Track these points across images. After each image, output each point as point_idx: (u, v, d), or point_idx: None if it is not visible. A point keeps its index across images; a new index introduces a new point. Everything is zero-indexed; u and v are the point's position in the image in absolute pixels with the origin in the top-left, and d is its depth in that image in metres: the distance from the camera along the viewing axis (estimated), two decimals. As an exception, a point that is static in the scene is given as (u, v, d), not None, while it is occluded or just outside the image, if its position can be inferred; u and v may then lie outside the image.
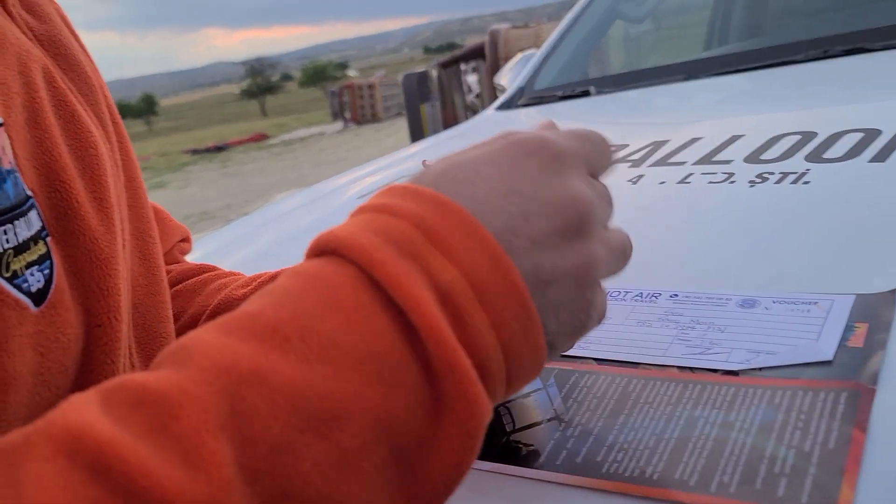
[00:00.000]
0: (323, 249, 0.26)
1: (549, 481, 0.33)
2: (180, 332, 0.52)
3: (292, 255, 0.95)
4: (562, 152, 0.30)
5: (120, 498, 0.19)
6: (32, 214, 0.30)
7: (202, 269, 0.58)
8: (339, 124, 21.68)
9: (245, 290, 0.52)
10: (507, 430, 0.37)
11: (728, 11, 2.11)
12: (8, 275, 0.28)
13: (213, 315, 0.51)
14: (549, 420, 0.37)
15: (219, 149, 22.08)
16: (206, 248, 1.06)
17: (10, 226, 0.29)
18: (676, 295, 0.48)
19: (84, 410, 0.21)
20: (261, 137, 23.90)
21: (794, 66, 1.08)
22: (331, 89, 27.21)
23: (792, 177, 0.62)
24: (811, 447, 0.31)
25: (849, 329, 0.39)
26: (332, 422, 0.22)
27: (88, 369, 0.33)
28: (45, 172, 0.32)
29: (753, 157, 0.69)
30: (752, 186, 0.63)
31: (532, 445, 0.35)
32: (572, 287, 0.28)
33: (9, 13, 0.35)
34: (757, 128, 0.79)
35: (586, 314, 0.30)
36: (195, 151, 22.46)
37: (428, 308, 0.24)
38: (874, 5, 1.43)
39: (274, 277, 0.53)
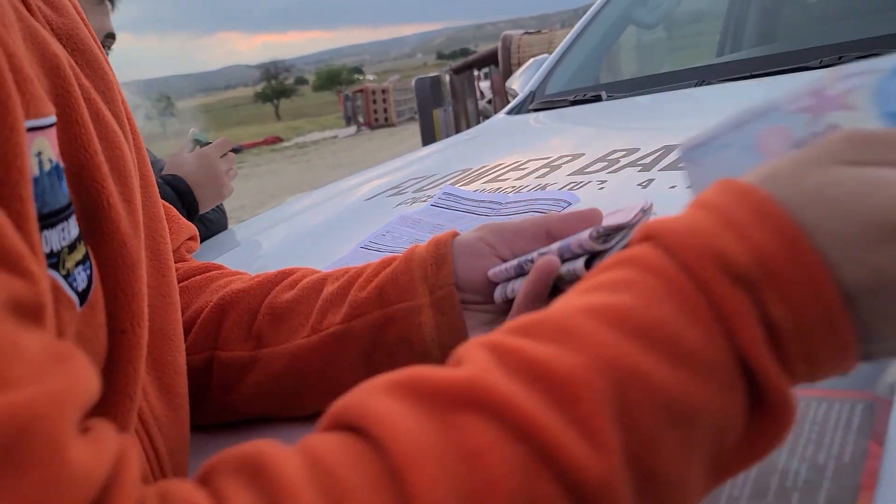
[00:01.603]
0: (649, 234, 0.28)
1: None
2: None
3: (310, 250, 0.95)
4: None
5: (539, 461, 0.23)
6: (73, 215, 0.30)
7: (208, 268, 0.57)
8: (352, 128, 21.76)
9: (248, 284, 0.52)
10: None
11: (742, 17, 2.09)
12: (64, 273, 0.28)
13: (217, 309, 0.51)
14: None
15: (234, 151, 22.18)
16: (219, 246, 1.06)
17: (65, 223, 0.29)
18: None
19: (496, 379, 0.24)
20: (275, 140, 24.02)
21: (807, 72, 1.07)
22: (344, 93, 27.34)
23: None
24: (825, 460, 0.30)
25: None
26: (689, 419, 0.25)
27: (111, 376, 0.32)
28: (79, 172, 0.32)
29: (767, 162, 0.68)
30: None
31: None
32: None
33: (28, 6, 0.33)
34: (771, 133, 0.78)
35: None
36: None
37: (758, 343, 0.25)
38: (889, 12, 1.41)
39: (277, 277, 0.52)
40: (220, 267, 0.58)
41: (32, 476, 0.18)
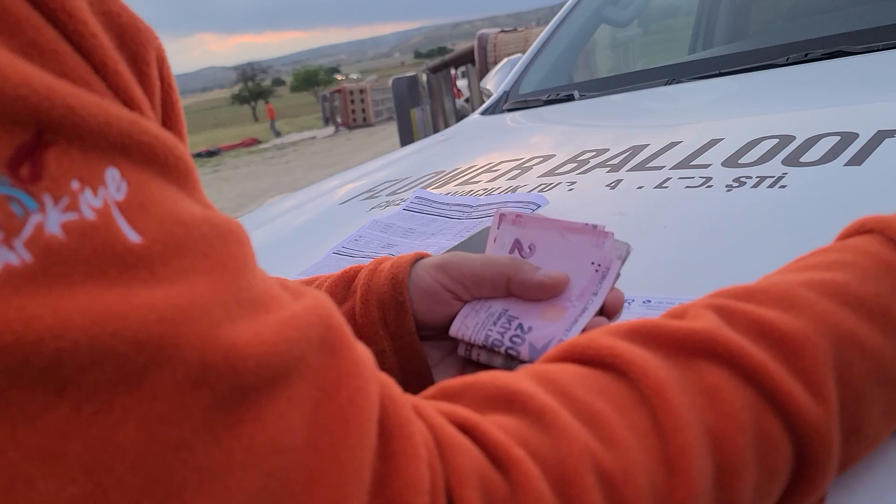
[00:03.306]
0: (871, 228, 0.35)
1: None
2: None
3: (283, 256, 0.94)
4: None
5: (767, 403, 0.27)
6: None
7: None
8: (330, 129, 21.65)
9: None
10: None
11: (712, 15, 2.12)
12: None
13: None
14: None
15: (211, 153, 22.02)
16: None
17: None
18: (649, 301, 0.47)
19: (727, 332, 0.28)
20: (253, 142, 23.85)
21: (775, 69, 1.08)
22: (322, 94, 27.17)
23: (769, 181, 0.62)
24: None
25: None
26: (893, 381, 0.30)
27: None
28: None
29: (731, 161, 0.69)
30: (728, 191, 0.63)
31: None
32: None
33: None
34: (736, 132, 0.79)
35: None
36: (197, 155, 22.42)
37: None
38: (855, 8, 1.43)
39: None
40: None
41: (345, 356, 0.23)
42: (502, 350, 0.41)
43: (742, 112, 1.01)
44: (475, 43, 6.27)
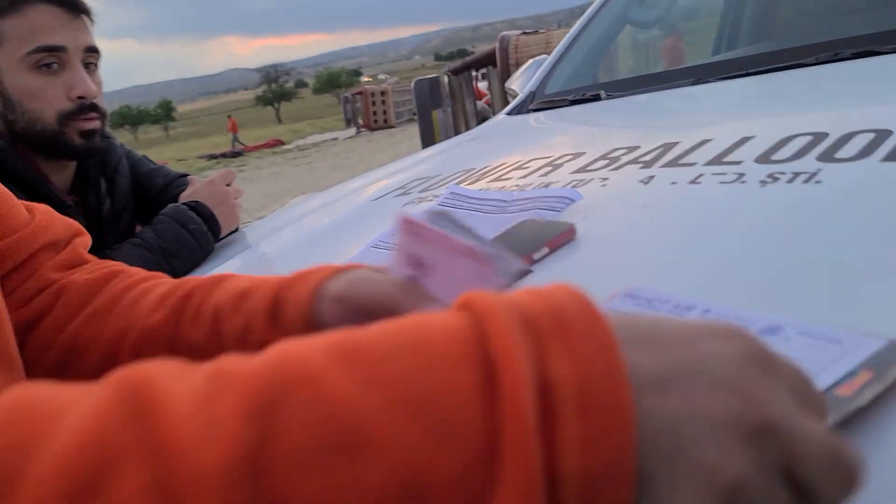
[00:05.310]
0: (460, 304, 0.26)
1: None
2: (103, 360, 0.51)
3: (320, 250, 0.96)
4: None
5: (139, 427, 0.21)
6: None
7: (111, 275, 0.56)
8: (352, 130, 21.76)
9: (154, 321, 0.51)
10: None
11: (738, 16, 2.11)
12: None
13: (133, 350, 0.50)
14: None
15: (235, 154, 22.24)
16: (230, 248, 1.08)
17: None
18: (708, 311, 0.44)
19: (162, 369, 0.24)
20: (276, 143, 24.05)
21: (803, 69, 1.08)
22: (344, 95, 27.30)
23: (803, 176, 0.63)
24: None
25: (850, 374, 0.35)
26: (362, 449, 0.21)
27: None
28: None
29: (764, 158, 0.70)
30: (762, 186, 0.63)
31: None
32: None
33: None
34: (767, 129, 0.80)
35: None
36: (212, 157, 22.63)
37: (523, 386, 0.22)
38: (884, 9, 1.42)
39: (182, 305, 0.51)
40: (121, 269, 0.57)
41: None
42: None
43: (772, 111, 1.01)
44: (497, 45, 6.27)
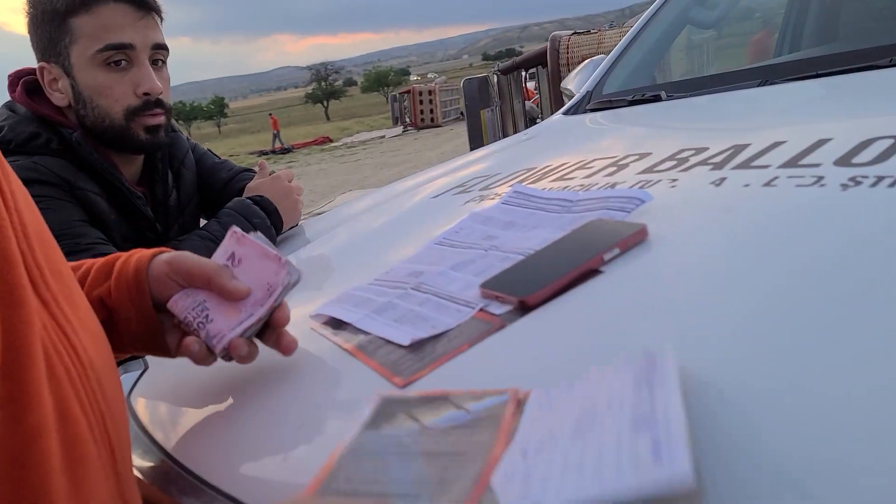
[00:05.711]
0: None
1: None
2: None
3: (383, 246, 0.96)
4: None
5: None
6: None
7: None
8: (398, 128, 21.90)
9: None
10: None
11: (801, 17, 2.05)
12: None
13: None
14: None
15: (285, 151, 22.62)
16: (291, 242, 1.10)
17: None
18: None
19: None
20: (324, 140, 24.37)
21: (872, 71, 1.05)
22: (392, 94, 27.49)
23: (888, 180, 0.60)
24: None
25: None
26: None
27: None
28: None
29: (844, 161, 0.68)
30: (844, 190, 0.61)
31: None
32: None
33: None
34: (844, 132, 0.77)
35: None
36: (262, 153, 23.07)
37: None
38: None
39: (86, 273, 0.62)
40: None
41: None
42: (192, 329, 0.58)
43: (847, 113, 0.98)
44: (548, 45, 6.23)
